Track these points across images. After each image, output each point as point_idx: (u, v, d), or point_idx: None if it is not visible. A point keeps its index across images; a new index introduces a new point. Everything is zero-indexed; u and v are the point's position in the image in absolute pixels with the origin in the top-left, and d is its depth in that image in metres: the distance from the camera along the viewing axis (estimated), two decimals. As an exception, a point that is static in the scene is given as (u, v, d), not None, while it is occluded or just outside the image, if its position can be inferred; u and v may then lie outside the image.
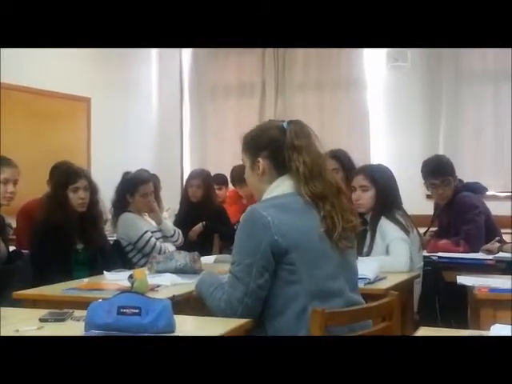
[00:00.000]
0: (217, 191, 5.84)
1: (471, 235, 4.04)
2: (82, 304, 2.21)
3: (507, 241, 4.06)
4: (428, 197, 6.26)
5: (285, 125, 2.25)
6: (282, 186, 2.21)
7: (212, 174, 5.74)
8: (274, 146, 2.23)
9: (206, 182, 5.22)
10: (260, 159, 2.25)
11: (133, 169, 4.49)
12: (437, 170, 4.25)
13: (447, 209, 4.30)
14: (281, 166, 2.22)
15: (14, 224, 4.47)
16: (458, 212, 4.16)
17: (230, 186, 6.19)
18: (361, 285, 2.54)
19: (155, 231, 4.33)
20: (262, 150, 2.25)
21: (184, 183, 5.72)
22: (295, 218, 2.14)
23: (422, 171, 4.34)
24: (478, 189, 4.36)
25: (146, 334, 1.85)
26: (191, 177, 5.32)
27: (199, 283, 2.35)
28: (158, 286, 2.75)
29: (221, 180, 6.10)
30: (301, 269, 2.10)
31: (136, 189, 4.26)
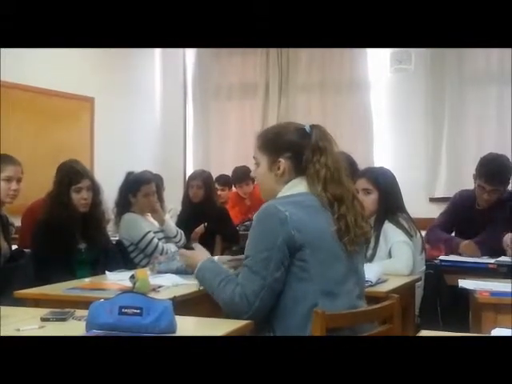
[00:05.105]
0: (219, 192, 5.85)
1: None
2: (84, 303, 2.22)
3: None
4: (431, 200, 6.29)
5: (307, 128, 2.28)
6: (299, 186, 2.24)
7: (215, 175, 5.75)
8: (297, 148, 2.26)
9: (206, 182, 5.22)
10: (282, 159, 2.26)
11: (136, 169, 4.49)
12: (493, 177, 3.96)
13: (491, 214, 4.05)
14: (300, 168, 2.25)
15: (16, 223, 4.47)
16: None
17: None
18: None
19: (157, 232, 4.33)
20: (284, 151, 2.27)
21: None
22: (311, 215, 2.16)
23: (477, 168, 4.04)
24: None
25: (147, 335, 1.85)
26: (192, 177, 5.33)
27: (202, 270, 2.26)
28: (159, 287, 2.75)
29: (223, 181, 6.11)
30: (312, 266, 2.12)
31: (138, 189, 4.26)
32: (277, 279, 2.12)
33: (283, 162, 2.26)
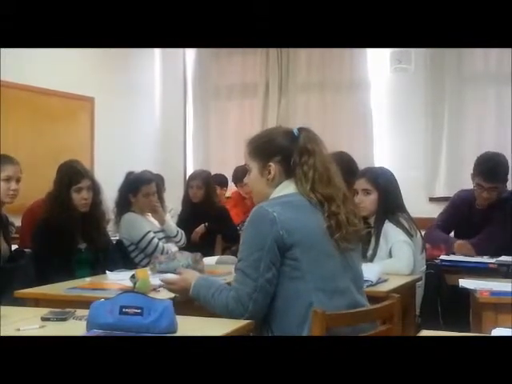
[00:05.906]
0: (216, 191, 5.83)
1: None
2: (84, 303, 2.22)
3: None
4: (431, 200, 6.29)
5: (295, 131, 2.30)
6: (288, 188, 2.26)
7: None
8: (286, 152, 2.27)
9: (206, 182, 5.23)
10: (272, 164, 2.28)
11: (136, 169, 4.49)
12: (490, 174, 3.96)
13: (491, 213, 4.05)
14: (290, 171, 2.27)
15: (16, 223, 4.47)
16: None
17: (231, 186, 6.19)
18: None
19: (158, 231, 4.33)
20: (274, 156, 2.29)
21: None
22: (300, 215, 2.18)
23: (474, 167, 4.06)
24: None
25: (148, 334, 1.85)
26: (191, 177, 5.33)
27: (196, 288, 2.29)
28: (160, 286, 2.75)
29: (220, 180, 6.09)
30: (304, 265, 2.13)
31: (139, 189, 4.26)
32: (268, 280, 2.13)
33: (273, 167, 2.28)
